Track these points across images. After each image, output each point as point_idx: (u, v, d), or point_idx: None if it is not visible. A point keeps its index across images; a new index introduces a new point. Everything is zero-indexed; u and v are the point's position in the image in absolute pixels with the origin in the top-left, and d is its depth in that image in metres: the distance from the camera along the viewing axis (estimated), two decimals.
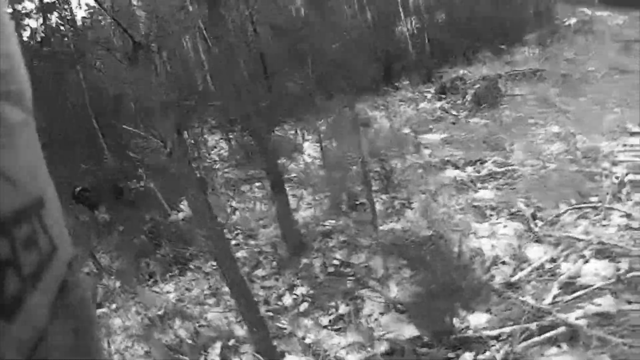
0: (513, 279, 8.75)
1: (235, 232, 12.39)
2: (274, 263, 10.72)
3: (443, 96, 18.93)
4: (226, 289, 8.49)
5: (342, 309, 8.99)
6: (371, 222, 9.92)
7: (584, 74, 19.04)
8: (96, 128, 17.75)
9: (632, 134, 13.28)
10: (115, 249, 12.90)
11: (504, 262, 9.22)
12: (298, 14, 19.78)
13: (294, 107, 14.36)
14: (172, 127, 6.34)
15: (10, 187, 0.42)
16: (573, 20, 30.22)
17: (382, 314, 8.77)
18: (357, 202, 11.13)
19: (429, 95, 19.64)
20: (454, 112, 17.36)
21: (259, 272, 10.67)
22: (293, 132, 16.53)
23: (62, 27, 18.38)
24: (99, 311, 11.03)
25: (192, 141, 18.08)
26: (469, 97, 17.55)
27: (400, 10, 25.27)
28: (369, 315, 8.80)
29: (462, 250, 9.30)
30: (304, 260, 10.29)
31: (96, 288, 11.96)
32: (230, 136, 16.42)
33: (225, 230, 12.33)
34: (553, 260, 9.08)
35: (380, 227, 10.63)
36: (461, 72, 20.47)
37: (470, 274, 8.39)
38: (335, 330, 8.77)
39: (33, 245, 0.44)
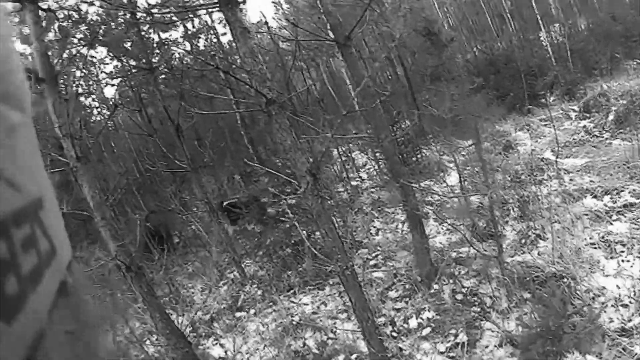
0: (629, 325, 8.29)
1: (376, 252, 12.83)
2: (407, 286, 11.04)
3: (587, 115, 18.12)
4: None
5: (461, 337, 9.12)
6: (498, 254, 10.01)
7: None
8: (250, 149, 18.90)
9: None
10: (260, 260, 13.80)
11: (624, 305, 8.75)
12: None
13: (440, 129, 14.34)
14: (307, 171, 6.91)
15: (9, 187, 0.43)
16: None
17: (497, 346, 8.82)
18: (493, 231, 11.15)
19: (572, 114, 18.92)
20: (597, 133, 16.59)
21: (392, 293, 11.07)
22: (439, 154, 16.71)
23: (210, 51, 19.69)
24: (238, 314, 11.97)
25: (342, 159, 18.73)
26: (611, 117, 16.77)
27: (540, 20, 24.61)
28: (485, 347, 8.92)
29: (585, 289, 9.23)
30: (435, 286, 10.55)
31: (239, 293, 12.93)
32: (377, 156, 16.71)
33: (365, 250, 12.90)
34: None
35: (512, 258, 10.73)
36: (605, 86, 19.42)
37: (587, 316, 8.28)
38: (450, 357, 8.99)
39: (32, 247, 0.46)
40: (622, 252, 10.11)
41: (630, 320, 8.42)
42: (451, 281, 10.59)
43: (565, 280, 9.58)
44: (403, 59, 19.79)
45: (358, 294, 7.87)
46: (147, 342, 12.10)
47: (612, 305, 8.83)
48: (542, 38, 25.09)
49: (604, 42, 22.44)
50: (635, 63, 21.19)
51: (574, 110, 19.09)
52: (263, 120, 18.13)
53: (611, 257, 10.02)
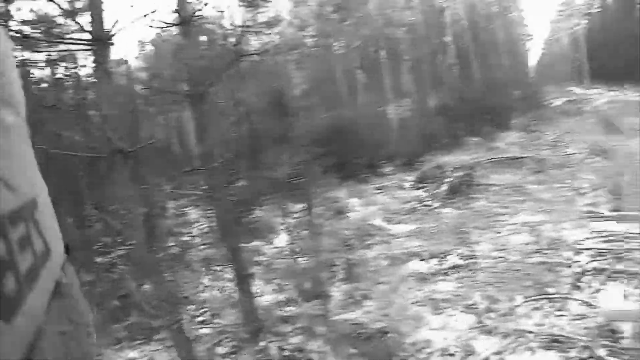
0: None
1: (203, 309, 12.69)
2: (234, 342, 10.95)
3: (422, 185, 19.17)
4: None
5: None
6: (325, 312, 10.26)
7: (564, 158, 19.68)
8: (83, 190, 18.30)
9: (605, 218, 13.58)
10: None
11: (451, 354, 9.34)
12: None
13: (275, 191, 14.54)
14: (142, 223, 6.86)
15: (5, 188, 0.43)
16: (560, 101, 30.91)
17: None
18: (319, 291, 11.43)
19: (406, 184, 19.92)
20: (428, 202, 17.54)
21: (219, 349, 10.90)
22: (272, 215, 16.89)
23: (66, 81, 19.07)
24: None
25: (176, 213, 18.50)
26: (444, 187, 17.80)
27: (391, 93, 25.88)
28: None
29: (411, 343, 9.63)
30: (262, 343, 10.53)
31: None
32: (209, 214, 16.67)
33: (193, 307, 12.76)
34: (499, 352, 9.12)
35: (338, 317, 10.92)
36: (443, 159, 20.72)
37: None
38: None
39: (28, 247, 0.46)
40: (448, 308, 10.71)
41: None
42: (278, 338, 10.67)
43: (390, 335, 9.93)
44: (250, 119, 19.98)
45: (186, 349, 7.80)
46: None
47: (440, 355, 9.36)
48: (390, 111, 26.30)
49: (450, 119, 23.92)
50: (475, 139, 22.75)
51: (409, 180, 20.12)
52: (104, 165, 17.70)
53: (437, 313, 10.57)
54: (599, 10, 42.07)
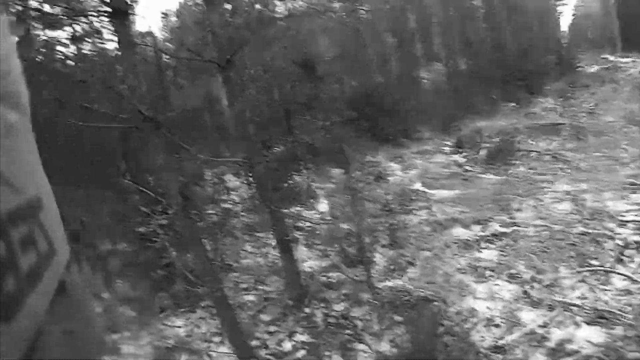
0: (501, 342, 8.80)
1: (247, 275, 12.71)
2: (278, 309, 10.95)
3: (460, 149, 19.05)
4: None
5: (336, 359, 9.16)
6: (367, 279, 10.19)
7: (602, 126, 19.17)
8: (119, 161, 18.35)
9: None
10: (133, 280, 13.39)
11: (496, 325, 9.27)
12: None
13: (313, 156, 14.47)
14: (178, 191, 6.77)
15: (7, 187, 0.43)
16: (595, 68, 30.15)
17: None
18: (363, 257, 11.33)
19: (446, 149, 19.76)
20: (468, 168, 17.49)
21: (264, 316, 10.88)
22: (310, 180, 16.76)
23: (94, 58, 19.03)
24: (114, 336, 11.55)
25: (214, 181, 18.48)
26: (483, 153, 17.71)
27: (422, 58, 25.56)
28: None
29: (455, 312, 9.60)
30: (307, 310, 10.55)
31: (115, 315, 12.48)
32: (251, 180, 16.61)
33: (237, 274, 12.75)
34: (545, 325, 9.07)
35: (383, 283, 10.90)
36: (479, 124, 20.52)
37: (459, 336, 8.60)
38: None
39: (31, 246, 0.46)
40: (492, 276, 10.64)
41: (502, 339, 8.91)
42: (322, 305, 10.63)
43: (435, 303, 9.87)
44: (282, 85, 19.84)
45: (230, 317, 7.77)
46: None
47: (484, 326, 9.28)
48: (422, 75, 26.04)
49: (484, 84, 23.55)
50: (511, 105, 22.42)
51: (448, 145, 19.94)
52: (137, 136, 17.64)
53: (481, 282, 10.50)
54: None
